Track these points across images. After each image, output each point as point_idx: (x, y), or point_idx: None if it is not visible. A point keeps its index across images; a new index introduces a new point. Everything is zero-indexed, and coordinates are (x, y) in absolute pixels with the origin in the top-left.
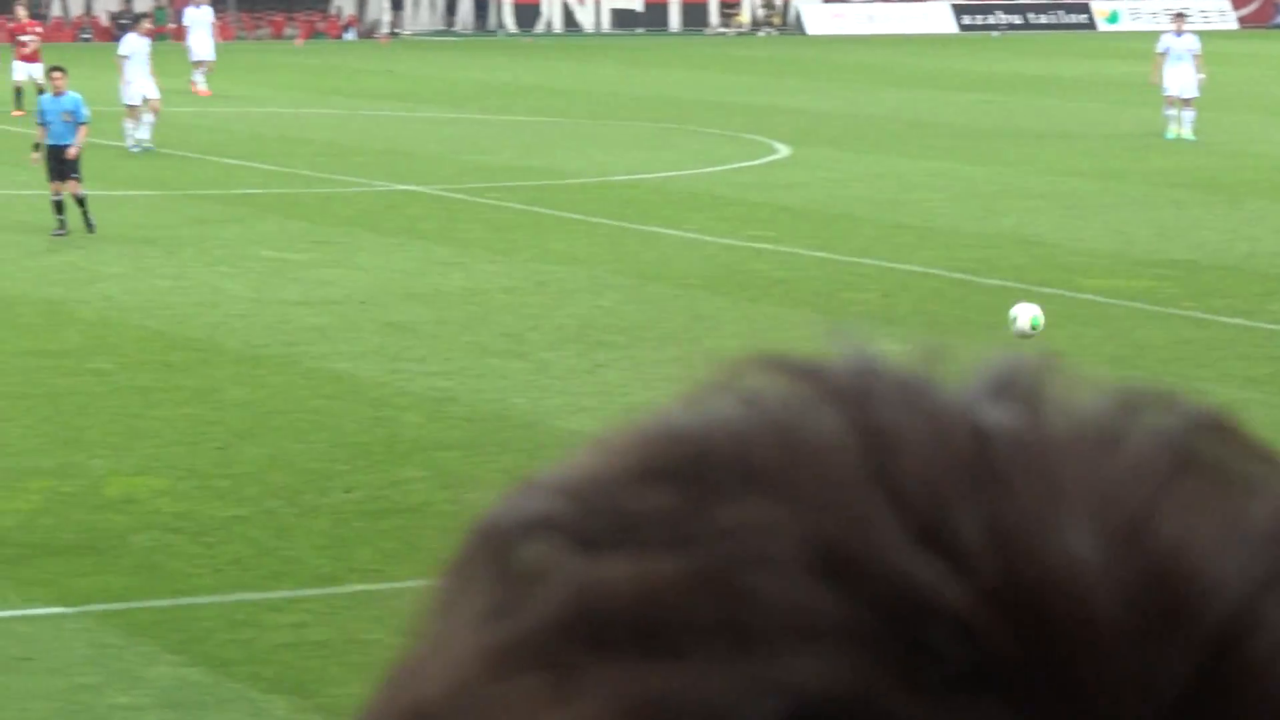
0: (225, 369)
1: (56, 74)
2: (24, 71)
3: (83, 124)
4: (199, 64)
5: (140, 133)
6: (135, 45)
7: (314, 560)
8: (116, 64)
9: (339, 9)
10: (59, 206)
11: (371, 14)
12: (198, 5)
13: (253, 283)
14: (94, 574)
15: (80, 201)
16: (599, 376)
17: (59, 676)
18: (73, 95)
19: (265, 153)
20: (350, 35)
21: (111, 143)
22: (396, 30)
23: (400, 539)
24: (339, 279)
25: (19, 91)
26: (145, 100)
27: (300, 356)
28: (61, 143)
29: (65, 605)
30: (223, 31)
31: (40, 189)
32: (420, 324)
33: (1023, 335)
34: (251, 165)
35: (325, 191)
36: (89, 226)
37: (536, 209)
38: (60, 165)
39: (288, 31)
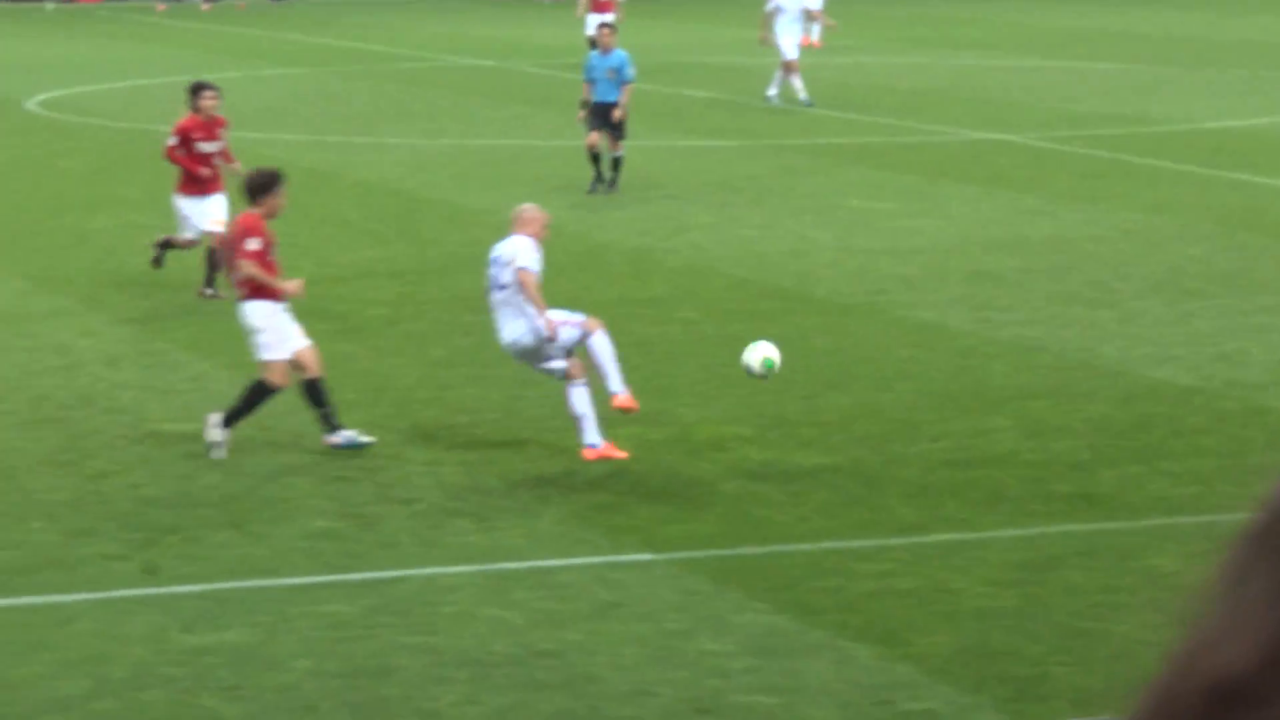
0: (812, 318)
1: (605, 30)
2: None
3: (627, 83)
4: (812, 15)
5: (771, 89)
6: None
7: (901, 509)
8: (764, 18)
9: None
10: (595, 159)
11: None
12: None
13: (839, 232)
14: (682, 521)
15: (616, 163)
16: (1188, 325)
17: (648, 622)
18: (620, 53)
19: (851, 102)
20: None
21: (699, 93)
22: None
23: (987, 489)
24: (925, 228)
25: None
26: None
27: (887, 306)
28: (605, 100)
29: (654, 552)
30: None
31: (637, 139)
32: (1007, 273)
33: (752, 374)
34: (837, 115)
35: (911, 141)
36: (611, 184)
37: (1124, 157)
38: (603, 122)
39: None
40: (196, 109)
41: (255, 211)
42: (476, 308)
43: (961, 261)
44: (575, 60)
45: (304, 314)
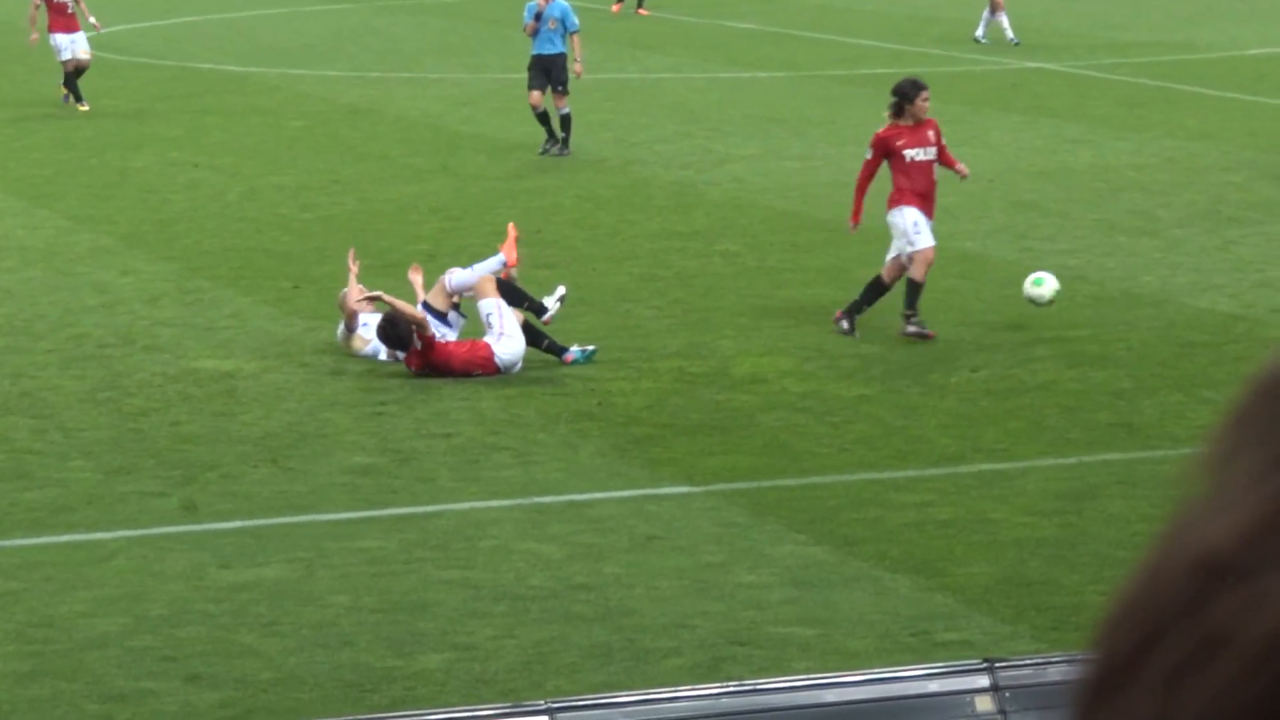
0: (853, 249)
1: None
2: None
3: (573, 32)
4: None
5: (979, 30)
6: None
7: (940, 439)
8: None
9: None
10: (544, 119)
11: None
12: None
13: None
14: (721, 453)
15: (565, 121)
16: (1230, 253)
17: (686, 555)
18: (560, 1)
19: (893, 32)
20: None
21: (741, 25)
22: None
23: (1027, 418)
24: (967, 158)
25: None
26: None
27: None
28: (544, 52)
29: (692, 484)
30: None
31: (681, 71)
32: (1048, 202)
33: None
34: (879, 45)
35: (953, 70)
36: (563, 144)
37: (1168, 84)
38: (546, 78)
39: None
40: None
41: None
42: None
43: (1003, 191)
44: None
45: (344, 250)
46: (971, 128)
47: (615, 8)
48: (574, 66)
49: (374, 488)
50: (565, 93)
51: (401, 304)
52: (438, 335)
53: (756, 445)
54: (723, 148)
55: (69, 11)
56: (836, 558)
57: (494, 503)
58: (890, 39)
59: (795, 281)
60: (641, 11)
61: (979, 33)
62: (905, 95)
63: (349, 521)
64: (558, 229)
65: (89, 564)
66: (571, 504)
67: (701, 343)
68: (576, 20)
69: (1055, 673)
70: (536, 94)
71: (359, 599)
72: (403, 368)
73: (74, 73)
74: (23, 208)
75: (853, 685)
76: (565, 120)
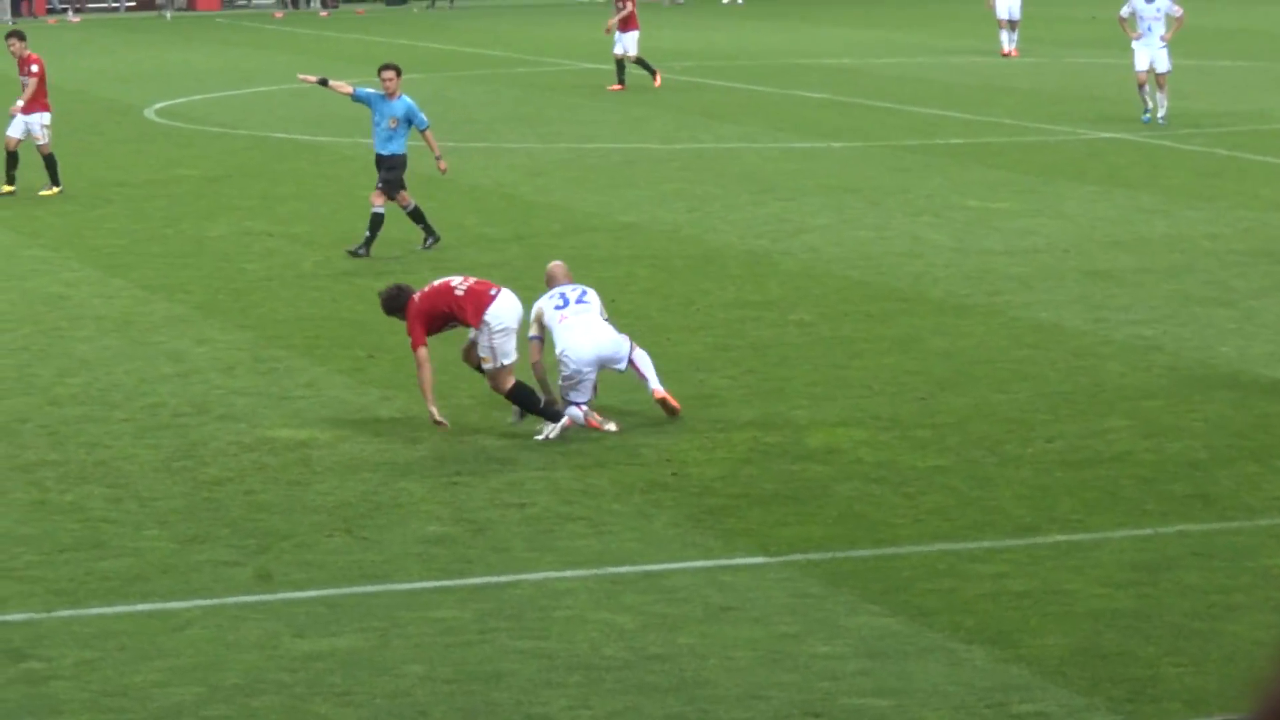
0: (927, 319)
1: (389, 74)
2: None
3: (424, 128)
4: (1008, 23)
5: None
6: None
7: (1015, 510)
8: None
9: None
10: (414, 215)
11: None
12: None
13: (955, 232)
14: (796, 524)
15: (416, 215)
16: None
17: (761, 625)
18: (405, 99)
19: (966, 102)
20: None
21: (814, 95)
22: None
23: (1102, 489)
24: (1041, 228)
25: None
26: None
27: (1003, 306)
28: (383, 152)
29: (767, 555)
30: None
31: (753, 141)
32: (1123, 272)
33: None
34: (952, 115)
35: (1026, 140)
36: (429, 235)
37: (1242, 154)
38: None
39: None
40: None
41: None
42: None
43: (1078, 261)
44: (691, 64)
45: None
46: (1045, 198)
47: (615, 87)
48: (438, 164)
49: (448, 557)
50: (384, 193)
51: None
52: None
53: (831, 515)
54: (797, 217)
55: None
56: (911, 628)
57: (568, 573)
58: (963, 109)
59: (869, 351)
60: (657, 83)
61: (1151, 113)
62: None
63: (423, 591)
64: (631, 298)
65: (164, 633)
66: (646, 574)
67: (776, 412)
68: (424, 117)
69: None
70: (378, 195)
71: (433, 669)
72: (476, 445)
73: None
74: (98, 277)
75: None
76: (416, 214)
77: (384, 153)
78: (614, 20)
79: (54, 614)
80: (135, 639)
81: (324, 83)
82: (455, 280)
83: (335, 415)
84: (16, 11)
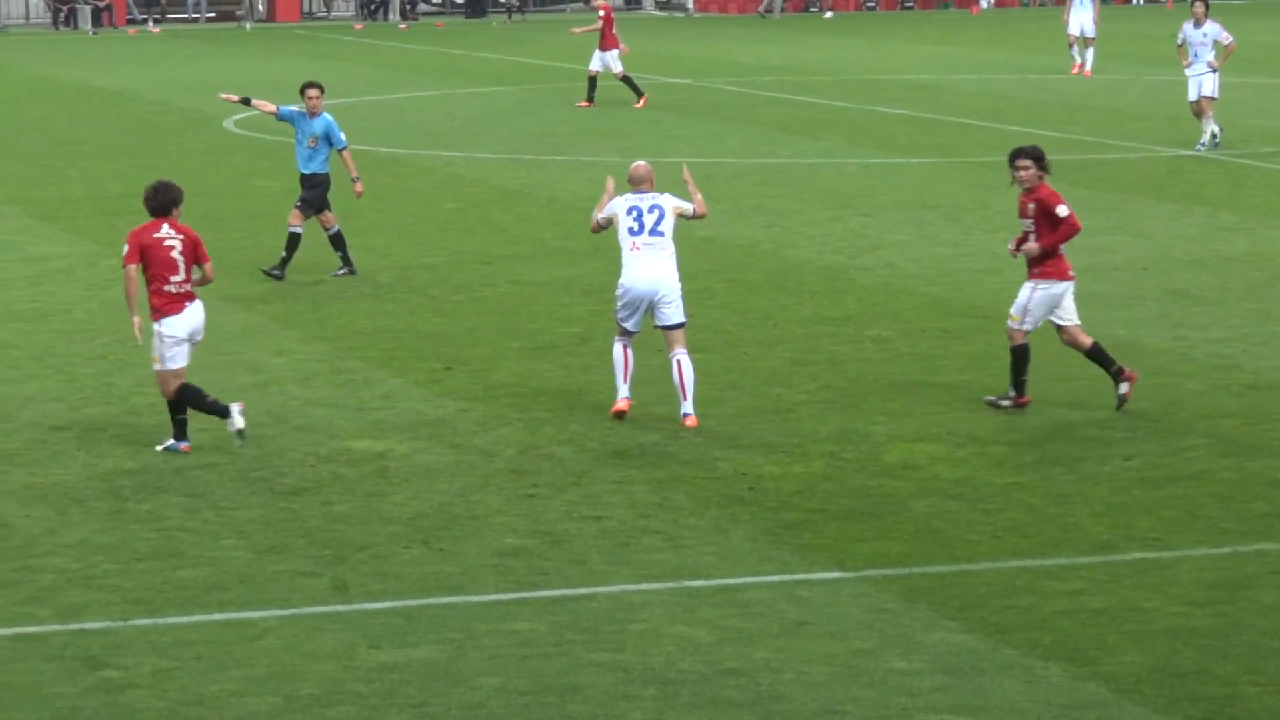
0: (1004, 336)
1: (313, 92)
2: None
3: (342, 148)
4: (1080, 39)
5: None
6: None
7: (1093, 528)
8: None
9: None
10: (335, 240)
11: None
12: None
13: None
14: (873, 539)
15: (335, 241)
16: None
17: (837, 641)
18: (326, 116)
19: (1045, 119)
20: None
21: (893, 110)
22: None
23: (1181, 507)
24: (1120, 245)
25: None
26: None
27: (1081, 323)
28: (304, 170)
29: (844, 570)
30: None
31: (834, 156)
32: (1203, 290)
33: None
34: (1032, 131)
35: (1106, 158)
36: (345, 262)
37: None
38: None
39: None
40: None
41: None
42: None
43: (1157, 279)
44: (772, 79)
45: (499, 333)
46: (1125, 215)
47: (582, 104)
48: (354, 186)
49: (525, 569)
50: (317, 209)
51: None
52: None
53: (908, 531)
54: (875, 233)
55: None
56: (988, 645)
57: (644, 586)
58: (1043, 126)
59: (947, 368)
60: (639, 104)
61: (1204, 141)
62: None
63: (499, 603)
64: (709, 313)
65: (240, 643)
66: (722, 588)
67: (853, 428)
68: (343, 136)
69: None
70: (296, 214)
71: (509, 681)
72: (552, 457)
73: None
74: None
75: None
76: (336, 240)
77: (305, 171)
78: (582, 29)
79: (131, 622)
80: (212, 648)
81: (247, 101)
82: (176, 245)
83: (412, 426)
84: (98, 22)
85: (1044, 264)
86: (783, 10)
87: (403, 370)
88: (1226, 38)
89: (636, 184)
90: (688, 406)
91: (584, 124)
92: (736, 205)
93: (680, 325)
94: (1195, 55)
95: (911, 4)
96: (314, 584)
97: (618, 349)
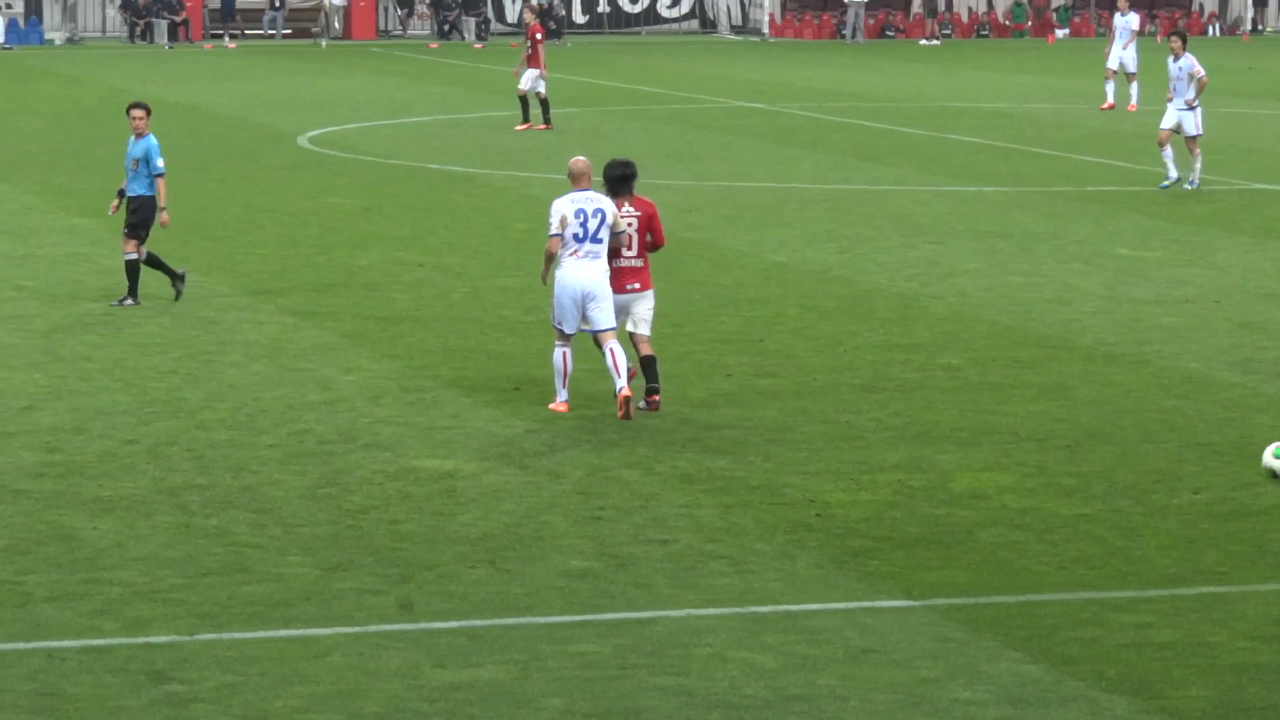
0: (1075, 366)
1: (138, 112)
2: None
3: (158, 175)
4: (1126, 76)
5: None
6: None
7: (1160, 561)
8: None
9: (1200, 5)
10: (161, 266)
11: (1234, 10)
12: (1124, 13)
13: (1106, 280)
14: (939, 568)
15: (137, 268)
16: None
17: (902, 669)
18: (150, 139)
19: (1120, 149)
20: (1212, 31)
21: (968, 139)
22: (1260, 27)
23: (1249, 542)
24: (1193, 278)
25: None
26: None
27: (1152, 356)
28: (131, 194)
29: (910, 598)
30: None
31: (904, 184)
32: (1276, 324)
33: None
34: (1106, 162)
35: (1181, 190)
36: (178, 280)
37: None
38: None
39: (1149, 29)
40: None
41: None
42: (739, 349)
43: (1229, 312)
44: (846, 105)
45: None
46: (1198, 248)
47: (521, 126)
48: (160, 215)
49: (590, 592)
50: (138, 238)
51: None
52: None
53: (975, 561)
54: (947, 261)
55: None
56: (1053, 676)
57: (710, 611)
58: (1117, 156)
59: (1017, 398)
60: (542, 126)
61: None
62: None
63: (564, 625)
64: (780, 338)
65: (305, 659)
66: (787, 614)
67: (921, 456)
68: (160, 163)
69: None
70: (131, 243)
71: (573, 703)
72: (620, 480)
73: None
74: (249, 303)
75: None
76: (133, 268)
77: (130, 194)
78: (520, 66)
79: (196, 637)
80: (277, 664)
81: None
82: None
83: (480, 447)
84: (174, 37)
85: None
86: (862, 34)
87: (472, 390)
88: (1199, 71)
89: (577, 180)
90: (622, 383)
91: (658, 147)
92: (809, 230)
93: (611, 330)
94: (1175, 90)
95: (987, 32)
96: (380, 602)
97: (558, 354)
